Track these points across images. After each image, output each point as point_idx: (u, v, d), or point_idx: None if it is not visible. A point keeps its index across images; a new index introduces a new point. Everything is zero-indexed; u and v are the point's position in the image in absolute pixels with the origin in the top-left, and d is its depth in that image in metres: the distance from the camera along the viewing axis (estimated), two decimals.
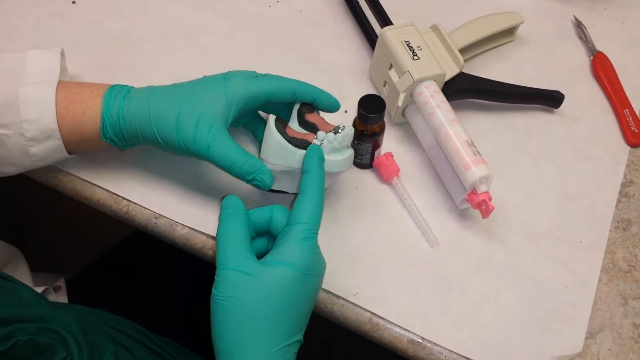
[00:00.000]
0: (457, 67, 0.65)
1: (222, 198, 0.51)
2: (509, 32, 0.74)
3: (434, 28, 0.67)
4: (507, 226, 0.60)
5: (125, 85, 0.54)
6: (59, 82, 0.53)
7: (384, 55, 0.64)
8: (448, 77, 0.64)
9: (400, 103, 0.62)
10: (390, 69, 0.64)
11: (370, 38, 0.70)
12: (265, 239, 0.53)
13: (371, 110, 0.57)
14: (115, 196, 0.59)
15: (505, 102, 0.69)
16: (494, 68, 0.72)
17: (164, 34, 0.71)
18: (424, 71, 0.61)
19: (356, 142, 0.60)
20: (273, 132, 0.53)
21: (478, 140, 0.61)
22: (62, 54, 0.57)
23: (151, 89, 0.53)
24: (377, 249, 0.58)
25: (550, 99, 0.68)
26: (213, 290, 0.46)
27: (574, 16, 0.78)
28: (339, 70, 0.70)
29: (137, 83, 0.56)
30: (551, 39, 0.76)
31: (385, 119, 0.60)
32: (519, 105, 0.69)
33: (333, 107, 0.57)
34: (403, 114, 0.65)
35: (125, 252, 0.84)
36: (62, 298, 0.69)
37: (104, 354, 0.50)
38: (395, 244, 0.59)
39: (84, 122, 0.52)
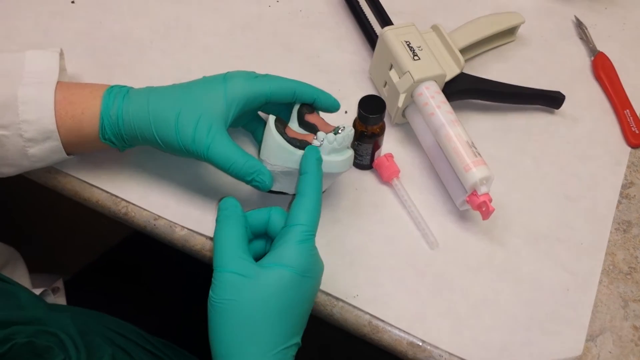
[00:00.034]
0: (458, 67, 0.65)
1: (220, 200, 0.51)
2: (509, 32, 0.74)
3: (435, 28, 0.67)
4: (508, 228, 0.60)
5: (125, 86, 0.54)
6: (58, 82, 0.53)
7: (384, 56, 0.64)
8: (448, 77, 0.64)
9: (400, 104, 0.62)
10: (390, 69, 0.63)
11: (371, 38, 0.70)
12: (263, 241, 0.53)
13: (371, 111, 0.57)
14: (114, 197, 0.59)
15: (505, 103, 0.68)
16: (494, 68, 0.72)
17: (164, 34, 0.71)
18: (424, 71, 0.61)
19: (356, 142, 0.59)
20: (273, 132, 0.52)
21: (478, 141, 0.60)
22: (61, 54, 0.57)
23: (150, 90, 0.53)
24: (377, 251, 0.58)
25: (551, 100, 0.68)
26: (210, 292, 0.46)
27: (575, 16, 0.77)
28: (339, 71, 0.70)
29: (137, 83, 0.56)
30: (552, 39, 0.76)
31: (386, 119, 0.60)
32: (520, 106, 0.69)
33: (333, 107, 0.57)
34: (403, 115, 0.64)
35: (125, 253, 0.84)
36: (60, 299, 0.69)
37: (102, 356, 0.50)
38: (395, 245, 0.58)
39: (82, 123, 0.52)
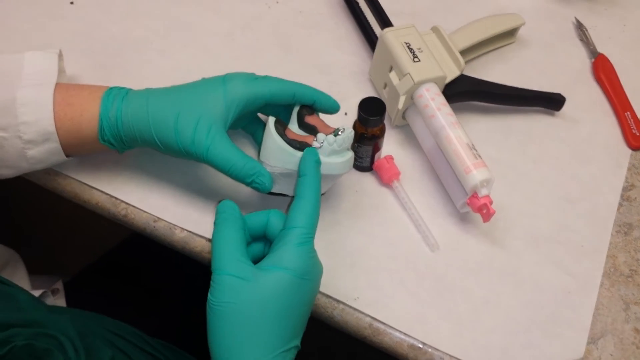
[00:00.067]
0: (458, 69, 0.65)
1: (218, 203, 0.51)
2: (509, 34, 0.74)
3: (435, 29, 0.67)
4: (508, 230, 0.60)
5: (124, 88, 0.54)
6: (57, 84, 0.53)
7: (384, 57, 0.64)
8: (449, 79, 0.63)
9: (400, 105, 0.62)
10: (390, 71, 0.63)
11: (371, 39, 0.70)
12: (261, 243, 0.52)
13: (371, 113, 0.57)
14: (113, 199, 0.59)
15: (506, 105, 0.68)
16: (494, 70, 0.72)
17: (163, 35, 0.71)
18: (424, 73, 0.60)
19: (356, 144, 0.59)
20: (273, 134, 0.52)
21: (479, 143, 0.60)
22: (60, 55, 0.57)
23: (149, 91, 0.53)
24: (377, 253, 0.58)
25: (551, 102, 0.68)
26: (209, 295, 0.46)
27: (575, 18, 0.77)
28: (338, 72, 0.70)
29: (136, 84, 0.55)
30: (552, 41, 0.76)
31: (386, 121, 0.60)
32: (520, 108, 0.69)
33: (333, 109, 0.56)
34: (403, 117, 0.64)
35: (124, 255, 0.84)
36: (60, 301, 0.69)
37: (101, 358, 0.50)
38: (395, 247, 0.58)
39: (81, 125, 0.52)
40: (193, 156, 0.51)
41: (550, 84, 0.70)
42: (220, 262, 0.46)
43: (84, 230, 1.27)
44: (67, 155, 0.54)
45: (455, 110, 0.61)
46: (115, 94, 0.53)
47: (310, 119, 0.55)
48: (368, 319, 0.55)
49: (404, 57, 0.61)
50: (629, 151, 0.67)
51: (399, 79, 0.62)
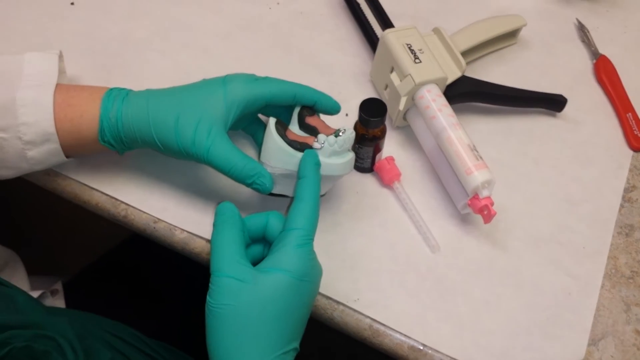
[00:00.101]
0: (459, 70, 0.64)
1: (218, 204, 0.50)
2: (511, 35, 0.74)
3: (436, 31, 0.67)
4: (509, 231, 0.60)
5: (124, 89, 0.54)
6: (57, 85, 0.53)
7: (385, 58, 0.64)
8: (450, 80, 0.63)
9: (401, 107, 0.62)
10: (391, 72, 0.63)
11: (372, 40, 0.70)
12: (261, 245, 0.52)
13: (372, 114, 0.57)
14: (113, 200, 0.59)
15: (507, 106, 0.68)
16: (496, 71, 0.72)
17: (163, 36, 0.71)
18: (425, 74, 0.60)
19: (357, 145, 0.59)
20: (273, 135, 0.52)
21: (480, 144, 0.60)
22: (61, 56, 0.57)
23: (150, 92, 0.53)
24: (377, 254, 0.58)
25: (553, 103, 0.68)
26: (208, 297, 0.46)
27: (577, 19, 0.77)
28: (339, 73, 0.70)
29: (136, 85, 0.55)
30: (554, 42, 0.76)
31: (387, 122, 0.60)
32: (521, 109, 0.69)
33: (334, 110, 0.56)
34: (404, 118, 0.64)
35: (124, 255, 0.84)
36: (59, 302, 0.68)
37: None
38: (396, 249, 0.58)
39: (81, 126, 0.52)
40: (193, 157, 0.51)
41: (552, 85, 0.70)
42: (219, 264, 0.46)
43: (83, 231, 1.27)
44: (67, 156, 0.54)
45: (457, 111, 0.61)
46: (116, 95, 0.53)
47: (311, 120, 0.55)
48: (368, 320, 0.54)
49: (405, 58, 0.61)
50: (631, 152, 0.67)
51: (400, 80, 0.62)
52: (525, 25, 0.72)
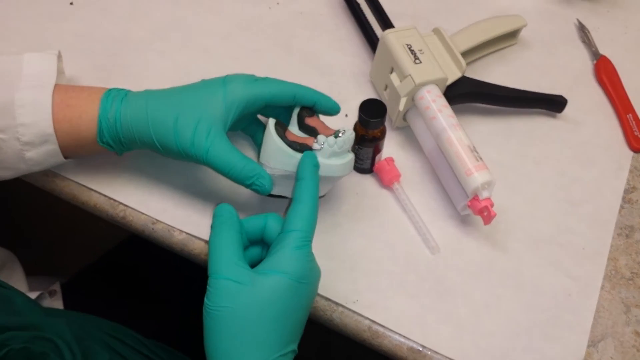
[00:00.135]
0: (459, 70, 0.64)
1: (216, 206, 0.50)
2: (511, 36, 0.73)
3: (436, 31, 0.67)
4: (509, 232, 0.60)
5: (123, 89, 0.54)
6: (56, 85, 0.52)
7: (385, 59, 0.63)
8: (450, 81, 0.63)
9: (401, 107, 0.61)
10: (391, 72, 0.63)
11: (372, 41, 0.70)
12: (259, 247, 0.52)
13: (372, 115, 0.56)
14: (112, 201, 0.59)
15: (507, 107, 0.68)
16: (496, 72, 0.72)
17: (163, 36, 0.71)
18: (425, 75, 0.60)
19: (357, 146, 0.59)
20: (273, 135, 0.52)
21: (480, 145, 0.60)
22: (59, 57, 0.57)
23: (149, 93, 0.53)
24: (377, 255, 0.58)
25: (553, 104, 0.68)
26: (205, 299, 0.46)
27: (577, 19, 0.77)
28: (339, 74, 0.70)
29: (135, 85, 0.55)
30: (554, 43, 0.75)
31: (386, 123, 0.60)
32: (522, 110, 0.69)
33: (333, 110, 0.56)
34: (404, 118, 0.64)
35: (123, 256, 0.84)
36: (57, 303, 0.68)
37: None
38: (395, 250, 0.58)
39: (80, 127, 0.52)
40: (192, 158, 0.51)
41: (552, 86, 0.70)
42: (217, 265, 0.46)
43: (82, 232, 1.27)
44: (65, 157, 0.54)
45: (457, 112, 0.61)
46: (115, 96, 0.53)
47: (310, 121, 0.55)
48: (367, 321, 0.54)
49: (405, 58, 0.61)
50: (631, 153, 0.67)
51: (400, 81, 0.62)
52: (525, 25, 0.72)
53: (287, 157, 0.52)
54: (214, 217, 0.49)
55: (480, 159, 0.57)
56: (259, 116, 0.61)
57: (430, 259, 0.58)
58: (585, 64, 0.74)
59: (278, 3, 0.75)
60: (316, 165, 0.51)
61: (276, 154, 0.52)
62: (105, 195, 0.59)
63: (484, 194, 0.55)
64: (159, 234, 0.58)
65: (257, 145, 0.61)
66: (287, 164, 0.52)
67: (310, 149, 0.52)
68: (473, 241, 0.59)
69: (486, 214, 0.55)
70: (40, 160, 0.53)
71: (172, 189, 0.59)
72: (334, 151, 0.52)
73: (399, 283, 0.56)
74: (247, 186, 0.52)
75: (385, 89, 0.65)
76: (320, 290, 0.55)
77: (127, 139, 0.52)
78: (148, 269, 0.81)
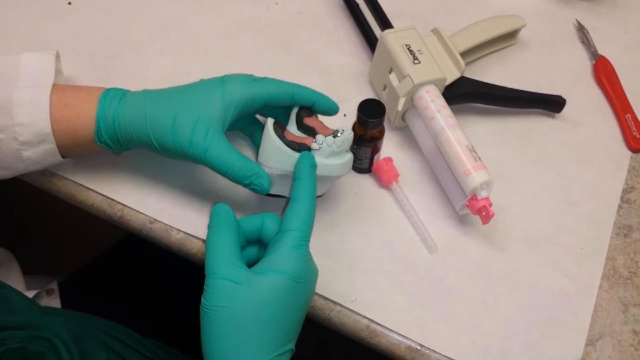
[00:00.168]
0: (458, 71, 0.64)
1: (213, 206, 0.50)
2: (510, 36, 0.73)
3: (435, 31, 0.67)
4: (507, 232, 0.60)
5: (121, 89, 0.54)
6: (54, 85, 0.52)
7: (384, 59, 0.63)
8: (449, 81, 0.63)
9: (400, 107, 0.61)
10: (390, 72, 0.63)
11: (370, 41, 0.70)
12: (256, 247, 0.52)
13: (371, 115, 0.56)
14: (109, 200, 0.59)
15: (506, 107, 0.68)
16: (495, 72, 0.72)
17: (161, 36, 0.71)
18: (424, 75, 0.60)
19: (355, 146, 0.59)
20: (271, 135, 0.52)
21: (479, 145, 0.60)
22: (58, 56, 0.57)
23: (147, 93, 0.53)
24: (375, 255, 0.58)
25: (552, 104, 0.68)
26: (202, 299, 0.45)
27: (576, 19, 0.77)
28: (338, 74, 0.70)
29: (134, 85, 0.55)
30: (553, 43, 0.75)
31: (385, 123, 0.60)
32: (520, 110, 0.69)
33: (332, 110, 0.56)
34: (403, 118, 0.64)
35: (121, 255, 0.84)
36: (54, 302, 0.68)
37: None
38: (394, 249, 0.58)
39: (78, 126, 0.52)
40: (191, 158, 0.51)
41: (551, 86, 0.70)
42: (214, 265, 0.46)
43: (80, 231, 1.26)
44: (63, 157, 0.54)
45: (455, 112, 0.61)
46: (113, 95, 0.53)
47: (309, 121, 0.55)
48: (365, 320, 0.54)
49: (404, 58, 0.61)
50: (629, 153, 0.67)
51: (399, 81, 0.62)
52: (524, 25, 0.72)
53: (286, 156, 0.52)
54: (211, 216, 0.49)
55: (479, 159, 0.57)
56: (258, 116, 0.61)
57: (428, 259, 0.58)
58: (584, 64, 0.74)
59: (277, 3, 0.75)
60: (313, 165, 0.51)
61: (275, 154, 0.52)
62: (103, 195, 0.59)
63: (483, 194, 0.55)
64: (156, 234, 0.58)
65: (256, 145, 0.61)
66: (285, 164, 0.52)
67: (308, 148, 0.52)
68: (471, 241, 0.59)
69: (484, 213, 0.55)
70: (38, 159, 0.53)
71: (170, 189, 0.59)
72: (332, 151, 0.52)
73: (397, 282, 0.56)
74: (245, 185, 0.52)
75: (384, 89, 0.65)
76: (319, 290, 0.55)
77: (125, 138, 0.52)
78: (146, 268, 0.81)
